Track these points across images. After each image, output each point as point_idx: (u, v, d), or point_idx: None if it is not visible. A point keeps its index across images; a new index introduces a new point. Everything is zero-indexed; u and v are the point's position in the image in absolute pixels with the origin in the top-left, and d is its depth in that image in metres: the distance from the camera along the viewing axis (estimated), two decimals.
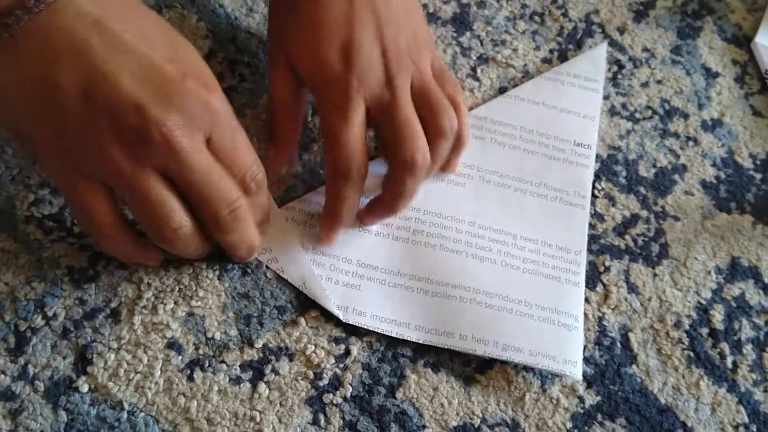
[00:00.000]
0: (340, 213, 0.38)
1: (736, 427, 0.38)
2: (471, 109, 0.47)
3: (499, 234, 0.42)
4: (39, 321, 0.37)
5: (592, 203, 0.44)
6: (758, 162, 0.48)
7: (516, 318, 0.40)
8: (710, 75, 0.51)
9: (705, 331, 0.41)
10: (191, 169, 0.31)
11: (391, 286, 0.40)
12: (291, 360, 0.38)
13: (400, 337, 0.38)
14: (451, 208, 0.43)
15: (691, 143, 0.48)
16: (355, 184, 0.37)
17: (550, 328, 0.40)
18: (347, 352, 0.38)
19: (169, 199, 0.32)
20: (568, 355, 0.39)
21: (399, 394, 0.37)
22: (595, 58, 0.50)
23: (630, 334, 0.40)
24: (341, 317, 0.38)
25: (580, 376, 0.38)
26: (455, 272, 0.41)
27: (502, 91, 0.48)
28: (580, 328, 0.40)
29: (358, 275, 0.40)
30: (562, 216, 0.44)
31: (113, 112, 0.30)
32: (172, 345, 0.37)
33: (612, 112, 0.48)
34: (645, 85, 0.50)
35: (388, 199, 0.39)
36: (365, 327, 0.38)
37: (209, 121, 0.32)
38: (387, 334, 0.38)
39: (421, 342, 0.38)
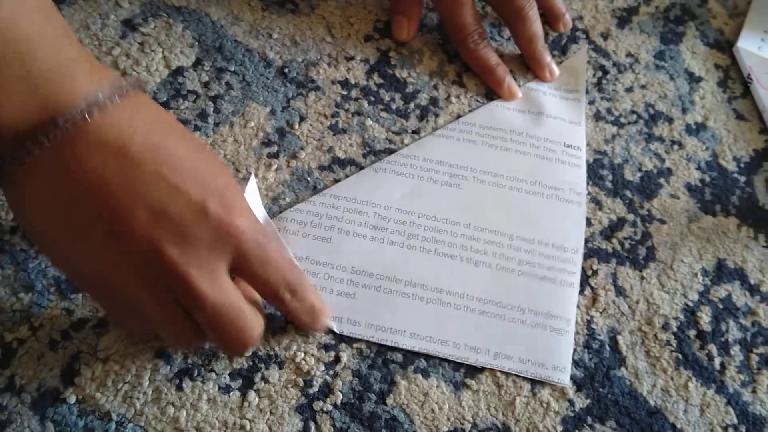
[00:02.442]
0: (493, 68, 0.48)
1: (725, 428, 0.39)
2: (459, 116, 0.47)
3: (495, 235, 0.42)
4: (26, 332, 0.36)
5: None
6: (742, 165, 0.48)
7: (508, 324, 0.40)
8: (693, 79, 0.52)
9: (693, 332, 0.41)
10: (206, 310, 0.30)
11: (386, 293, 0.40)
12: (280, 368, 0.37)
13: (396, 346, 0.38)
14: (446, 211, 0.43)
15: (675, 147, 0.48)
16: (483, 41, 0.48)
17: (542, 334, 0.40)
18: (337, 359, 0.38)
19: (199, 334, 0.33)
20: (557, 362, 0.39)
21: (389, 401, 0.37)
22: (575, 67, 0.50)
23: (618, 337, 0.41)
24: (335, 329, 0.38)
25: (568, 382, 0.39)
26: (450, 278, 0.41)
27: (488, 96, 0.48)
28: (571, 332, 0.40)
29: (353, 283, 0.40)
30: (558, 213, 0.44)
31: (131, 255, 0.29)
32: (161, 354, 0.37)
33: (597, 116, 0.49)
34: (629, 90, 0.51)
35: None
36: (360, 337, 0.38)
37: (233, 245, 0.31)
38: (382, 343, 0.38)
39: (415, 350, 0.38)
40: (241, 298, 0.32)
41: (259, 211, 0.41)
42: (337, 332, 0.38)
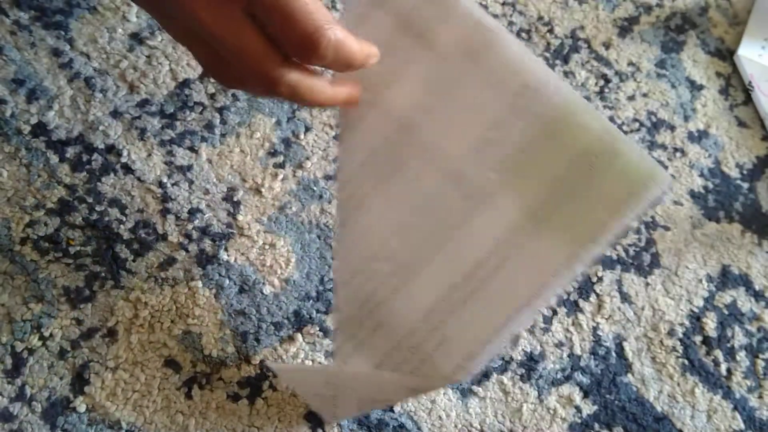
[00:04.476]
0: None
1: None
2: None
3: None
4: (36, 342, 0.36)
5: None
6: (745, 171, 0.49)
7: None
8: (695, 87, 0.52)
9: (698, 338, 0.42)
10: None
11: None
12: None
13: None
14: None
15: (678, 154, 0.49)
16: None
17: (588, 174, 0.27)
18: None
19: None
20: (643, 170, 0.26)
21: (397, 408, 0.37)
22: None
23: (624, 344, 0.41)
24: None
25: (668, 178, 0.27)
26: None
27: None
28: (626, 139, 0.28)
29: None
30: None
31: None
32: (170, 363, 0.37)
33: None
34: (631, 98, 0.51)
35: None
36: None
37: None
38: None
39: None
40: None
41: None
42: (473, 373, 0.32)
